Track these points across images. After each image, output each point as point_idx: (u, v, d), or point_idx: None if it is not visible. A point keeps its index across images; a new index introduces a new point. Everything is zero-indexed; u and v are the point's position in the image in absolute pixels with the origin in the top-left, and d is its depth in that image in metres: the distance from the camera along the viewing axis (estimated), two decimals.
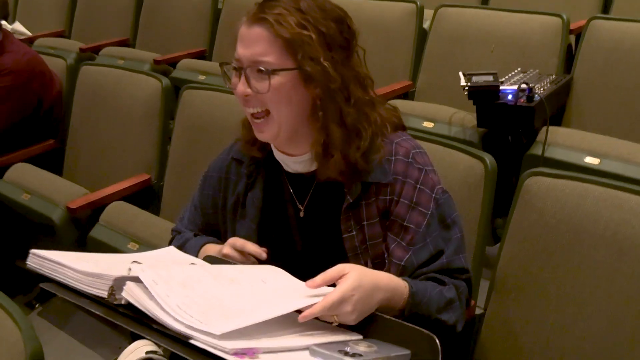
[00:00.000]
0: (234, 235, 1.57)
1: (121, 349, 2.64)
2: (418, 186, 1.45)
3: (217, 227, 1.65)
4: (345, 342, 1.19)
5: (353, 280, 1.25)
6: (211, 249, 1.56)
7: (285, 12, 1.38)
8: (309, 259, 1.50)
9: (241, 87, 1.41)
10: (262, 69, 1.38)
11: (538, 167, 1.70)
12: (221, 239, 1.61)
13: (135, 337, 2.09)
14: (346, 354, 1.13)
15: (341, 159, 1.43)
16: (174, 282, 1.21)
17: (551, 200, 1.61)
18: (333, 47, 1.40)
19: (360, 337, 1.24)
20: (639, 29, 2.66)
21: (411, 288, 1.36)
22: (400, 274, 1.43)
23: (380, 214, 1.47)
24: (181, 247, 1.61)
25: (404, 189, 1.45)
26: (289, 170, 1.54)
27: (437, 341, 1.18)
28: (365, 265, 1.45)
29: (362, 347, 1.16)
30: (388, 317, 1.25)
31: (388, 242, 1.47)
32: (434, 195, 1.46)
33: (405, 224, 1.45)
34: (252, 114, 1.44)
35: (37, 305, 2.80)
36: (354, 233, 1.47)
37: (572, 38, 2.99)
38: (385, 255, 1.47)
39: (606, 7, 3.49)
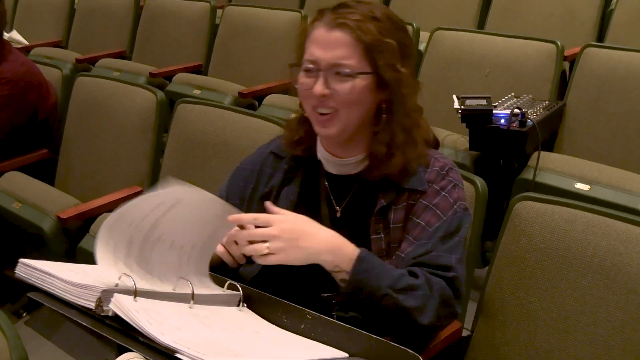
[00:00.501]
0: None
1: None
2: (442, 193, 1.51)
3: None
4: None
5: (289, 214, 1.40)
6: None
7: (364, 19, 1.45)
8: None
9: (319, 87, 1.45)
10: (347, 70, 1.44)
11: (528, 192, 1.72)
12: None
13: (121, 349, 2.08)
14: None
15: (401, 160, 1.50)
16: (168, 325, 1.20)
17: (540, 225, 1.63)
18: (404, 56, 1.49)
19: (346, 355, 1.24)
20: (632, 58, 2.68)
21: (360, 254, 1.39)
22: (397, 265, 1.46)
23: (405, 218, 1.51)
24: None
25: (428, 192, 1.51)
26: (331, 171, 1.59)
27: None
28: None
29: None
30: (374, 336, 1.25)
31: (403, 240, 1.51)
32: (455, 206, 1.50)
33: (417, 220, 1.49)
34: (320, 112, 1.48)
35: (24, 315, 2.79)
36: (382, 236, 1.51)
37: (567, 65, 3.02)
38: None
39: (601, 35, 3.54)
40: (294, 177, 1.62)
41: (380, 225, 1.51)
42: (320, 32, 1.47)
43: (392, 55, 1.46)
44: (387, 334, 1.33)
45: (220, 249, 1.48)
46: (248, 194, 1.65)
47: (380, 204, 1.51)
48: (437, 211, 1.49)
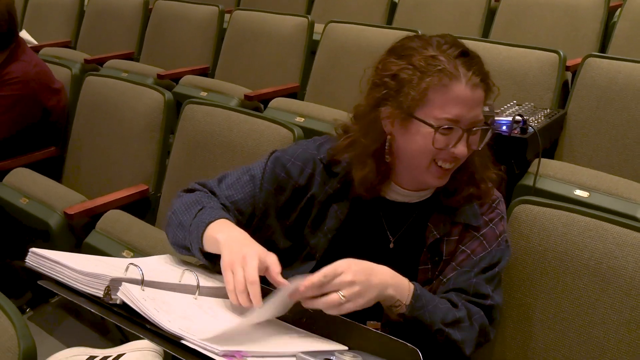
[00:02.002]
0: (278, 230, 1.56)
1: None
2: (490, 225, 1.52)
3: (254, 209, 1.56)
4: (331, 352, 1.21)
5: (346, 260, 1.30)
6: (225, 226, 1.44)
7: (487, 71, 1.45)
8: None
9: (464, 149, 1.42)
10: (482, 127, 1.44)
11: (528, 196, 1.74)
12: (246, 224, 1.55)
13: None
14: None
15: (488, 189, 1.53)
16: (174, 314, 1.23)
17: (538, 228, 1.65)
18: None
19: (346, 348, 1.27)
20: (632, 69, 2.70)
21: (416, 290, 1.37)
22: (437, 287, 1.48)
23: (456, 251, 1.51)
24: (197, 210, 1.49)
25: (489, 233, 1.52)
26: (390, 198, 1.55)
27: (420, 355, 1.20)
28: None
29: (347, 357, 1.19)
30: (373, 329, 1.28)
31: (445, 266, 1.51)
32: (499, 239, 1.52)
33: (463, 247, 1.50)
34: (444, 167, 1.45)
35: (28, 310, 2.81)
36: (429, 266, 1.51)
37: (569, 75, 3.04)
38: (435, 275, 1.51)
39: (604, 45, 3.57)
40: (345, 197, 1.55)
41: (429, 256, 1.51)
42: (464, 91, 1.39)
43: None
44: (435, 354, 1.36)
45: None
46: (290, 190, 1.56)
47: (433, 237, 1.50)
48: (484, 242, 1.50)
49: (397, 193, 1.54)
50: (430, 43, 1.43)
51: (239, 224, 1.50)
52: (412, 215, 1.55)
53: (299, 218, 1.57)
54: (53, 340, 2.65)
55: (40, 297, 2.92)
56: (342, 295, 1.25)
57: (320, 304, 1.25)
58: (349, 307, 1.26)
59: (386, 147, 1.49)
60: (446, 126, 1.40)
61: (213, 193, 1.58)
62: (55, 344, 2.63)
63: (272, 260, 1.32)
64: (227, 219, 1.45)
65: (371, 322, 1.42)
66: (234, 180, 1.60)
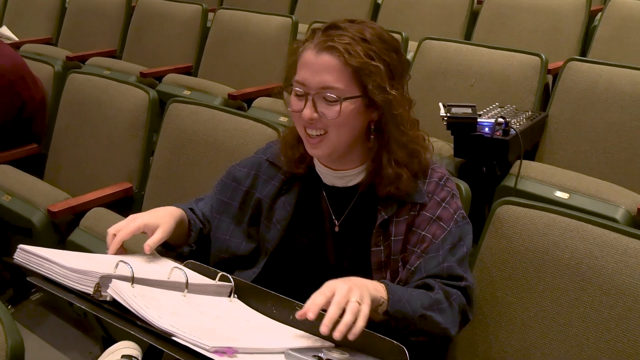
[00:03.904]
0: (248, 229, 1.64)
1: (91, 354, 2.67)
2: (443, 204, 1.55)
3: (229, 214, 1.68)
4: (319, 349, 1.24)
5: (326, 283, 1.31)
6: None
7: (353, 42, 1.45)
8: (336, 271, 1.54)
9: (308, 111, 1.46)
10: (333, 96, 1.45)
11: (510, 197, 1.77)
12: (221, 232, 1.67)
13: (106, 343, 2.12)
14: (320, 359, 1.19)
15: (408, 177, 1.52)
16: (164, 311, 1.24)
17: (520, 228, 1.68)
18: (395, 77, 1.50)
19: (333, 345, 1.29)
20: (612, 72, 2.73)
21: (387, 286, 1.40)
22: (407, 277, 1.51)
23: (407, 230, 1.54)
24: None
25: (429, 204, 1.54)
26: (328, 183, 1.61)
27: (407, 353, 1.23)
28: (384, 278, 1.52)
29: (335, 354, 1.22)
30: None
31: (407, 254, 1.54)
32: (455, 217, 1.54)
33: (423, 233, 1.52)
34: (310, 134, 1.50)
35: (9, 307, 2.81)
36: (382, 248, 1.54)
37: (550, 78, 3.07)
38: (400, 264, 1.54)
39: (584, 50, 3.62)
40: (291, 187, 1.63)
41: (381, 238, 1.54)
42: (309, 55, 1.47)
43: (380, 77, 1.46)
44: (421, 351, 1.39)
45: None
46: (240, 196, 1.67)
47: (381, 217, 1.54)
48: (441, 223, 1.53)
49: (327, 175, 1.60)
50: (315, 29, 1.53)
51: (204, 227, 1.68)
52: (353, 198, 1.59)
53: (253, 218, 1.65)
54: (35, 337, 2.66)
55: (21, 294, 2.93)
56: (355, 300, 1.26)
57: (346, 320, 1.24)
58: (365, 309, 1.27)
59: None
60: (295, 89, 1.48)
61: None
62: (37, 341, 2.64)
63: (156, 233, 1.50)
64: (179, 207, 1.62)
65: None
66: (208, 200, 1.74)
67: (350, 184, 1.59)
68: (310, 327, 1.34)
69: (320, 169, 1.61)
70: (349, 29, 1.47)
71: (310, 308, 1.24)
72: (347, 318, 1.23)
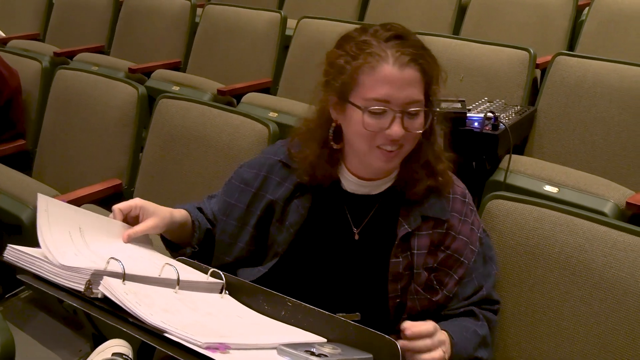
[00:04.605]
0: (253, 232, 1.62)
1: (81, 351, 2.65)
2: (471, 226, 1.56)
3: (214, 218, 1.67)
4: (311, 344, 1.24)
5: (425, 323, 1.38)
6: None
7: (423, 52, 1.45)
8: (349, 280, 1.54)
9: (399, 129, 1.42)
10: (418, 109, 1.44)
11: (500, 191, 1.78)
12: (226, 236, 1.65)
13: (96, 340, 2.11)
14: (312, 354, 1.19)
15: (446, 181, 1.55)
16: (156, 307, 1.24)
17: (511, 222, 1.69)
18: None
19: (325, 340, 1.29)
20: (600, 67, 2.75)
21: (452, 339, 1.44)
22: (444, 301, 1.54)
23: (431, 246, 1.53)
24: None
25: (463, 228, 1.54)
26: (350, 189, 1.57)
27: (398, 346, 1.24)
28: (398, 289, 1.53)
29: (327, 349, 1.22)
30: (352, 322, 1.29)
31: (440, 274, 1.54)
32: (479, 234, 1.56)
33: (462, 259, 1.53)
34: (387, 150, 1.46)
35: None
36: (400, 259, 1.53)
37: (538, 72, 3.08)
38: (434, 283, 1.54)
39: (572, 44, 3.63)
40: (306, 191, 1.58)
41: (400, 250, 1.53)
42: (390, 71, 1.41)
43: (437, 85, 1.48)
44: None
45: None
46: (248, 199, 1.62)
47: (404, 230, 1.52)
48: (472, 247, 1.54)
49: (353, 183, 1.56)
50: (367, 30, 1.48)
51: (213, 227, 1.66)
52: (374, 206, 1.57)
53: (262, 221, 1.61)
54: (24, 335, 2.65)
55: (9, 292, 2.91)
56: (443, 351, 1.37)
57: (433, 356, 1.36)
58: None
59: (330, 134, 1.53)
60: (374, 107, 1.42)
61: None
62: (26, 339, 2.63)
63: (145, 222, 1.50)
64: (185, 209, 1.61)
65: (351, 314, 1.44)
66: (217, 200, 1.71)
67: (374, 192, 1.57)
68: (302, 322, 1.34)
69: (346, 176, 1.57)
70: (411, 37, 1.46)
71: (411, 328, 1.34)
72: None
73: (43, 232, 1.38)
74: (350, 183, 1.57)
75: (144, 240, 1.53)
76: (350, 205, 1.57)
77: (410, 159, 1.52)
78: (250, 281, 1.49)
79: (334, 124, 1.53)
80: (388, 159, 1.47)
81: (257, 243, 1.63)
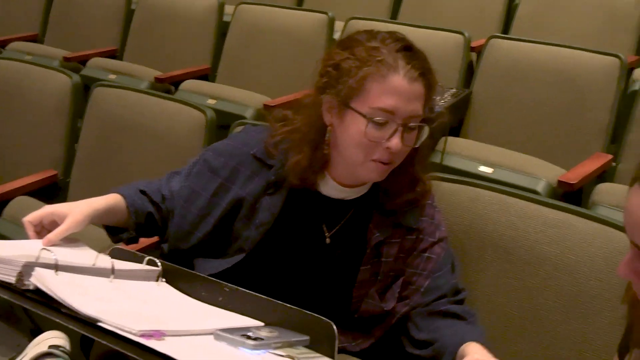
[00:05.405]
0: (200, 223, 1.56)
1: (19, 346, 2.60)
2: (441, 227, 1.56)
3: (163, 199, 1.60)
4: (248, 328, 1.24)
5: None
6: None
7: (429, 66, 1.45)
8: (317, 283, 1.54)
9: (399, 142, 1.39)
10: (417, 123, 1.43)
11: (435, 173, 1.80)
12: (164, 224, 1.61)
13: (35, 335, 2.07)
14: (249, 337, 1.19)
15: (425, 191, 1.54)
16: (89, 297, 1.22)
17: (446, 203, 1.70)
18: None
19: (262, 324, 1.29)
20: (533, 49, 2.81)
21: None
22: (416, 297, 1.52)
23: (399, 253, 1.53)
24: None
25: (430, 229, 1.54)
26: (326, 193, 1.53)
27: (334, 327, 1.25)
28: (362, 294, 1.53)
29: (264, 333, 1.22)
30: (289, 305, 1.29)
31: (408, 275, 1.53)
32: (443, 232, 1.57)
33: (428, 255, 1.53)
34: (383, 162, 1.43)
35: None
36: (369, 267, 1.52)
37: (474, 55, 3.12)
38: (395, 290, 1.53)
39: (506, 27, 3.68)
40: (279, 189, 1.53)
41: (370, 257, 1.52)
42: (400, 82, 1.39)
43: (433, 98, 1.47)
44: None
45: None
46: (214, 188, 1.55)
47: (376, 238, 1.51)
48: (441, 244, 1.55)
49: (333, 188, 1.53)
50: (376, 37, 1.44)
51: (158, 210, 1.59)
52: (349, 211, 1.55)
53: (228, 214, 1.55)
54: None
55: None
56: None
57: None
58: None
59: (326, 138, 1.48)
60: (379, 117, 1.38)
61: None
62: None
63: (62, 224, 1.42)
64: (120, 194, 1.56)
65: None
66: (169, 180, 1.64)
67: (350, 197, 1.54)
68: (240, 307, 1.34)
69: (326, 180, 1.52)
70: (418, 50, 1.45)
71: None
72: None
73: None
74: (328, 187, 1.53)
75: (71, 241, 1.48)
76: (325, 208, 1.54)
77: (397, 171, 1.49)
78: (212, 275, 1.45)
79: (329, 128, 1.47)
80: (382, 171, 1.45)
81: (218, 235, 1.56)
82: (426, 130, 1.45)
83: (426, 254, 1.53)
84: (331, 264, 1.54)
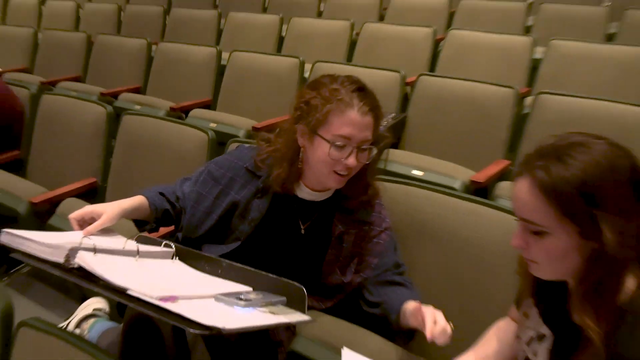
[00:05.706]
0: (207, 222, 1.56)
1: (72, 311, 2.57)
2: (386, 219, 1.56)
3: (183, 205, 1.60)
4: (240, 292, 1.25)
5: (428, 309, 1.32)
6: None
7: (378, 104, 1.47)
8: (296, 263, 1.53)
9: (353, 161, 1.42)
10: (370, 147, 1.44)
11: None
12: (174, 222, 1.60)
13: (83, 302, 2.05)
14: (240, 299, 1.20)
15: (375, 194, 1.55)
16: (120, 272, 1.22)
17: (387, 198, 1.69)
18: None
19: (251, 289, 1.30)
20: (453, 83, 2.80)
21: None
22: (350, 280, 1.53)
23: (356, 240, 1.53)
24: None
25: (378, 221, 1.55)
26: (301, 196, 1.54)
27: (304, 291, 1.26)
28: (330, 272, 1.53)
29: (252, 296, 1.23)
30: (272, 275, 1.30)
31: (363, 255, 1.53)
32: (389, 224, 1.57)
33: (377, 240, 1.54)
34: (342, 175, 1.44)
35: (5, 279, 2.69)
36: (333, 250, 1.53)
37: (408, 88, 3.11)
38: (352, 266, 1.54)
39: (432, 67, 3.71)
40: (265, 193, 1.54)
41: (334, 244, 1.53)
42: (354, 115, 1.40)
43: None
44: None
45: None
46: (216, 193, 1.56)
47: (339, 230, 1.52)
48: (388, 232, 1.55)
49: (306, 193, 1.54)
50: (336, 80, 1.45)
51: (173, 208, 1.58)
52: (318, 210, 1.55)
53: (226, 213, 1.56)
54: (26, 300, 2.56)
55: (13, 268, 2.81)
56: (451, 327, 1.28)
57: (447, 335, 1.26)
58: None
59: (300, 156, 1.49)
60: (339, 142, 1.40)
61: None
62: (27, 303, 2.54)
63: (99, 220, 1.40)
64: (144, 196, 1.53)
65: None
66: (181, 184, 1.64)
67: (318, 199, 1.55)
68: (235, 278, 1.35)
69: (301, 187, 1.54)
70: (369, 90, 1.45)
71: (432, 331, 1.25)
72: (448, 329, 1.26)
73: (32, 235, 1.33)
74: (302, 192, 1.54)
75: (106, 231, 1.48)
76: (300, 208, 1.55)
77: (353, 180, 1.50)
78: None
79: (302, 149, 1.49)
80: (341, 181, 1.47)
81: (219, 228, 1.57)
82: (374, 151, 1.46)
83: (375, 240, 1.54)
84: (305, 249, 1.55)
